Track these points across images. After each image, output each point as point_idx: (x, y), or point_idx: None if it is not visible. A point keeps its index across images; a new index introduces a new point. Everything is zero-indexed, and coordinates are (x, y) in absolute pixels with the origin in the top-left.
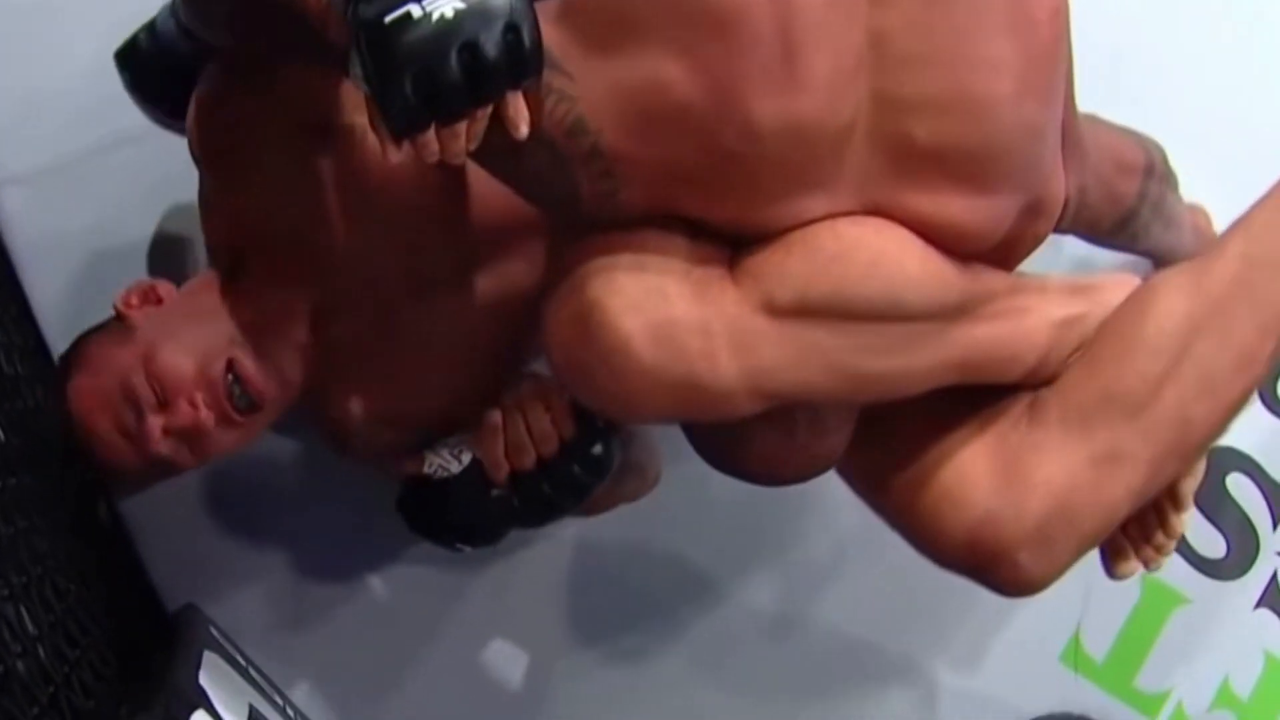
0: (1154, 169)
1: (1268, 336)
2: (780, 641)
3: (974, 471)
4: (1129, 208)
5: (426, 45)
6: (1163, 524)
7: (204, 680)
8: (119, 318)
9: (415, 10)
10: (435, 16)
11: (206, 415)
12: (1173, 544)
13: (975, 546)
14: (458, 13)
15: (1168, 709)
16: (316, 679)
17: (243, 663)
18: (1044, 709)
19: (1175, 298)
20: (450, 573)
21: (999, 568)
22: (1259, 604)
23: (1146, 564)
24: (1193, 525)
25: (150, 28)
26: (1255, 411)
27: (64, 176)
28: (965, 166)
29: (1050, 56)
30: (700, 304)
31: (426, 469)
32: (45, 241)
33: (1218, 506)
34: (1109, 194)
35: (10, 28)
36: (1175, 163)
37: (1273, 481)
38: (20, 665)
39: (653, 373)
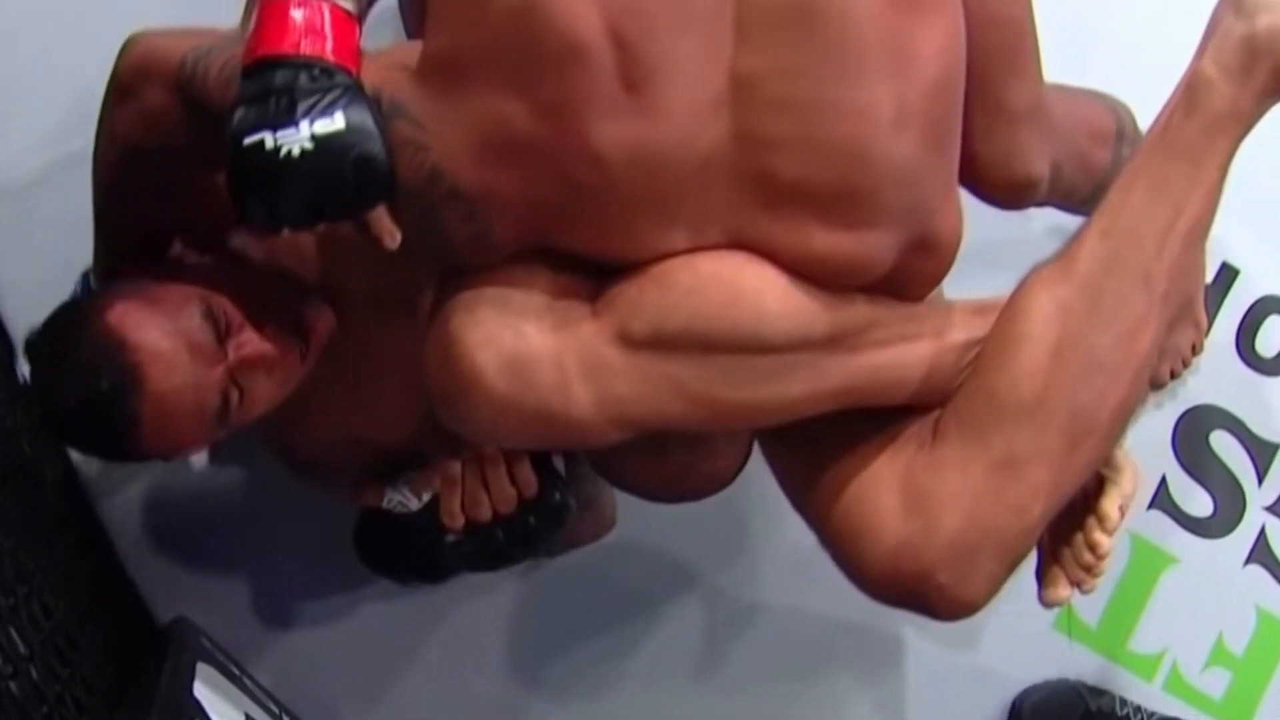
0: (1124, 133)
1: (1145, 301)
2: (769, 623)
3: (882, 502)
4: (1104, 174)
5: (269, 179)
6: (1089, 544)
7: (199, 692)
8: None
9: (269, 140)
10: (283, 153)
11: (273, 349)
12: (1103, 564)
13: (896, 578)
14: (304, 154)
15: (1163, 670)
16: (309, 688)
17: (237, 673)
18: (1041, 677)
19: (1045, 290)
20: None
21: (925, 594)
22: (1248, 560)
23: (1079, 586)
24: (1180, 484)
25: None
26: (1235, 368)
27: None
28: (831, 205)
29: (935, 96)
30: (556, 336)
31: (385, 504)
32: (9, 259)
33: (1202, 465)
34: (1083, 165)
35: None
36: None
37: (1255, 437)
38: (13, 686)
39: (506, 404)
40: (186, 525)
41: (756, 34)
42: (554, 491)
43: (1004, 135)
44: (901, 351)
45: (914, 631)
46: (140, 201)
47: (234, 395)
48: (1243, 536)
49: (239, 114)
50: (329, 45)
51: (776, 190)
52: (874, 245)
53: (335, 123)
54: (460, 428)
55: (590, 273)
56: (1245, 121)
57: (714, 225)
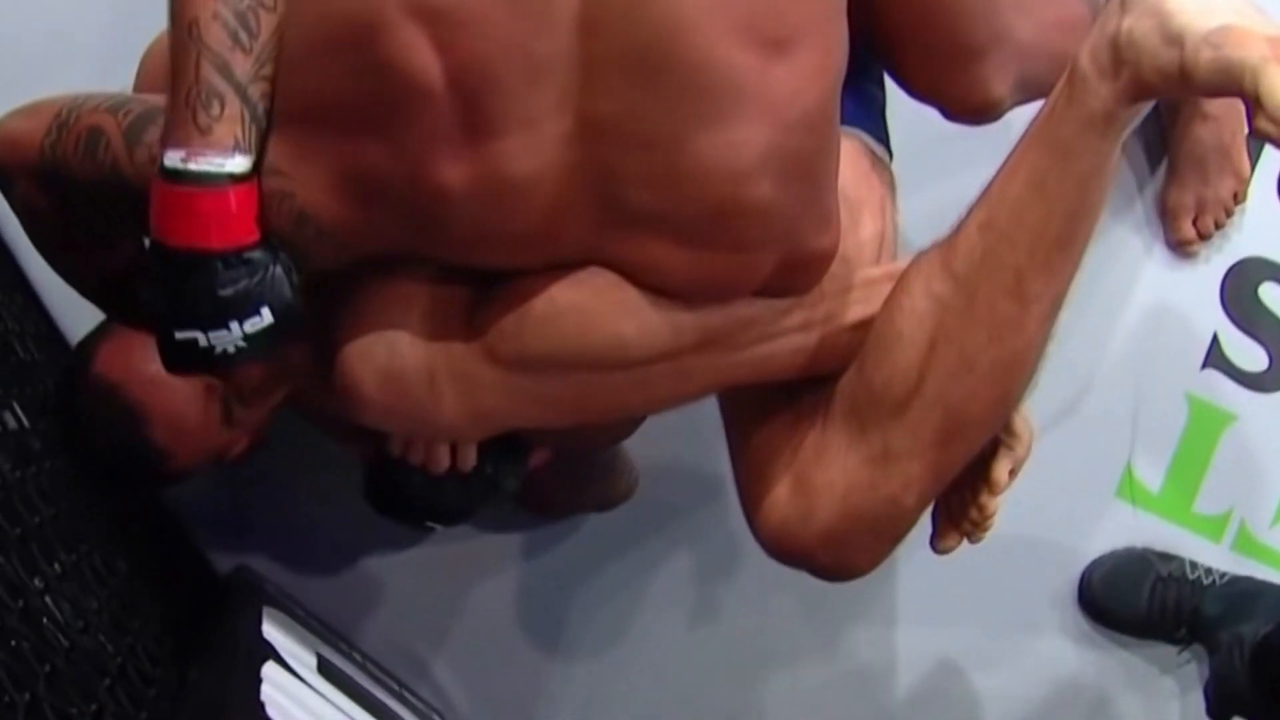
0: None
1: (1018, 302)
2: None
3: (776, 479)
4: None
5: (207, 365)
6: (975, 503)
7: (268, 633)
8: None
9: (201, 340)
10: (218, 350)
11: None
12: (990, 521)
13: (779, 553)
14: (239, 350)
15: (1230, 530)
16: (373, 628)
17: (303, 615)
18: (1108, 548)
19: (923, 283)
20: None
21: (807, 568)
22: None
23: (968, 537)
24: (1231, 340)
25: None
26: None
27: None
28: (686, 234)
29: (798, 133)
30: (429, 350)
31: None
32: None
33: (1253, 318)
34: (1059, 61)
35: None
36: None
37: None
38: (82, 641)
39: (382, 409)
40: (236, 476)
41: (606, 78)
42: (487, 467)
43: (959, 74)
44: (785, 343)
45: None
46: (73, 260)
47: (230, 395)
48: None
49: (162, 300)
50: (240, 226)
51: (629, 218)
52: (733, 269)
53: (264, 319)
54: (356, 421)
55: (470, 277)
56: (1117, 122)
57: (571, 247)
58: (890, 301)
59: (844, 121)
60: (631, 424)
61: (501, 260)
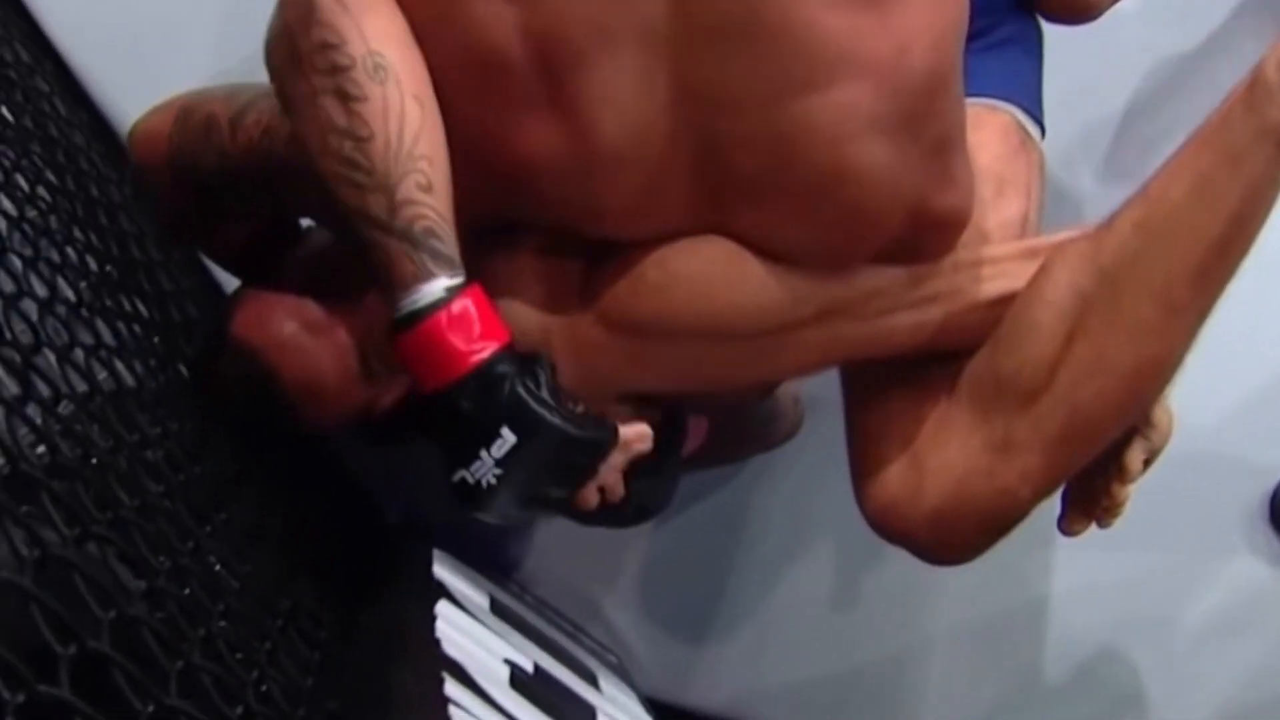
0: None
1: (1163, 309)
2: None
3: (891, 453)
4: None
5: (482, 503)
6: (1107, 490)
7: (439, 575)
8: None
9: (467, 478)
10: (483, 484)
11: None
12: (1121, 509)
13: (882, 527)
14: (499, 479)
15: None
16: (546, 572)
17: (474, 559)
18: None
19: (1066, 274)
20: None
21: (908, 545)
22: None
23: (1098, 522)
24: None
25: None
26: None
27: None
28: (795, 199)
29: (905, 93)
30: (543, 316)
31: None
32: None
33: None
34: None
35: None
36: None
37: None
38: (252, 584)
39: None
40: None
41: (698, 46)
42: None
43: None
44: (909, 316)
45: None
46: (208, 237)
47: (370, 351)
48: None
49: (440, 448)
50: (467, 347)
51: (737, 186)
52: (850, 233)
53: (507, 441)
54: None
55: (584, 246)
56: None
57: (680, 217)
58: (1031, 288)
59: (997, 94)
60: (767, 387)
61: (610, 230)
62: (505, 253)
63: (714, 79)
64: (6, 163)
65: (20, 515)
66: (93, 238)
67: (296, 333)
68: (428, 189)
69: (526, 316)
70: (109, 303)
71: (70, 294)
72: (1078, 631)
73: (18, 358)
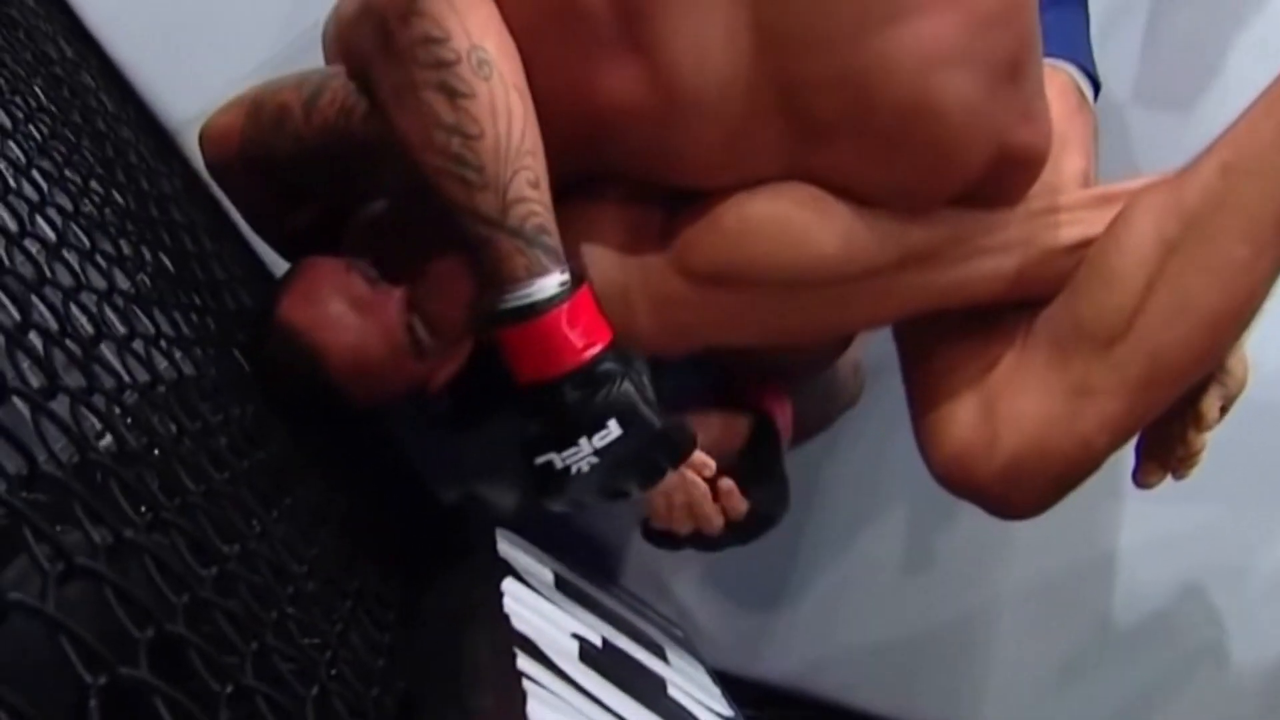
0: None
1: (1252, 248)
2: None
3: (961, 402)
4: None
5: (564, 489)
6: (1183, 439)
7: (504, 552)
8: None
9: (556, 461)
10: (573, 470)
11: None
12: (1197, 458)
13: (951, 480)
14: (594, 468)
15: None
16: (611, 553)
17: (536, 536)
18: None
19: (1149, 220)
20: None
21: (977, 498)
22: None
23: (1173, 473)
24: None
25: None
26: None
27: None
28: (879, 135)
29: (988, 29)
30: (623, 267)
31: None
32: None
33: None
34: None
35: None
36: None
37: None
38: (319, 567)
39: None
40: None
41: None
42: (756, 516)
43: None
44: (986, 263)
45: None
46: (273, 225)
47: (419, 326)
48: None
49: (526, 430)
50: (582, 342)
51: (820, 127)
52: (934, 171)
53: (611, 433)
54: None
55: (663, 196)
56: None
57: (764, 163)
58: (1111, 234)
59: (1052, 53)
60: (843, 342)
61: (692, 179)
62: (583, 206)
63: (795, 19)
64: (59, 157)
65: (91, 502)
66: (146, 230)
67: (344, 311)
68: (536, 185)
69: (605, 271)
70: (166, 293)
71: (128, 285)
72: (1149, 585)
73: (79, 350)
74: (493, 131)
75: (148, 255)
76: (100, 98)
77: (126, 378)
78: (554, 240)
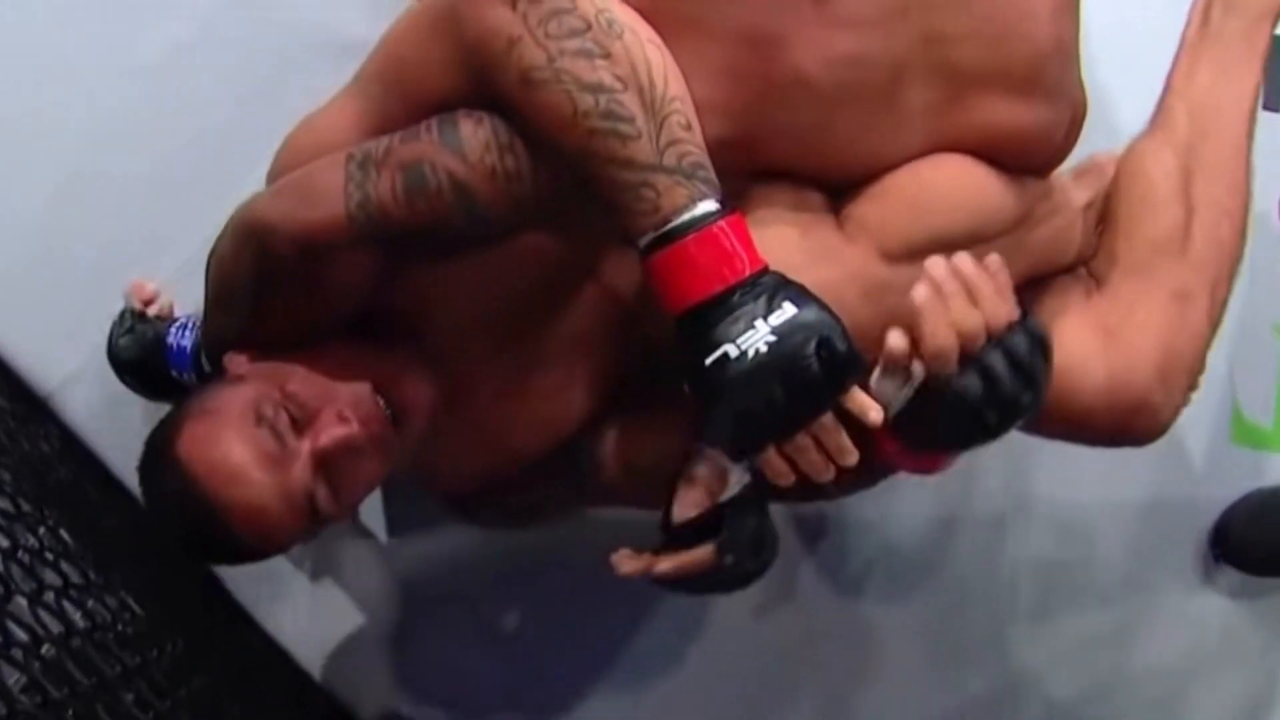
0: None
1: (1239, 152)
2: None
3: (1081, 345)
4: None
5: (742, 384)
6: None
7: None
8: (232, 377)
9: (731, 350)
10: (751, 354)
11: (357, 428)
12: None
13: (1114, 405)
14: (770, 346)
15: None
16: None
17: None
18: (1238, 493)
19: (1159, 157)
20: None
21: (1139, 416)
22: None
23: None
24: None
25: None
26: None
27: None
28: (1013, 85)
29: None
30: (830, 269)
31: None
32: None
33: None
34: None
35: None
36: None
37: None
38: None
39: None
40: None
41: None
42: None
43: None
44: (1057, 222)
45: (1098, 481)
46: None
47: (320, 491)
48: None
49: (689, 352)
50: (745, 263)
51: (963, 81)
52: (1051, 119)
53: (786, 311)
54: None
55: (819, 195)
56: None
57: (913, 129)
58: (1131, 178)
59: None
60: None
61: (850, 159)
62: (761, 216)
63: None
64: None
65: None
66: (37, 489)
67: (246, 464)
68: (688, 127)
69: (812, 275)
70: (69, 546)
71: (32, 541)
72: (1050, 703)
73: None
74: (635, 83)
75: (47, 512)
76: None
77: (40, 631)
78: (711, 175)
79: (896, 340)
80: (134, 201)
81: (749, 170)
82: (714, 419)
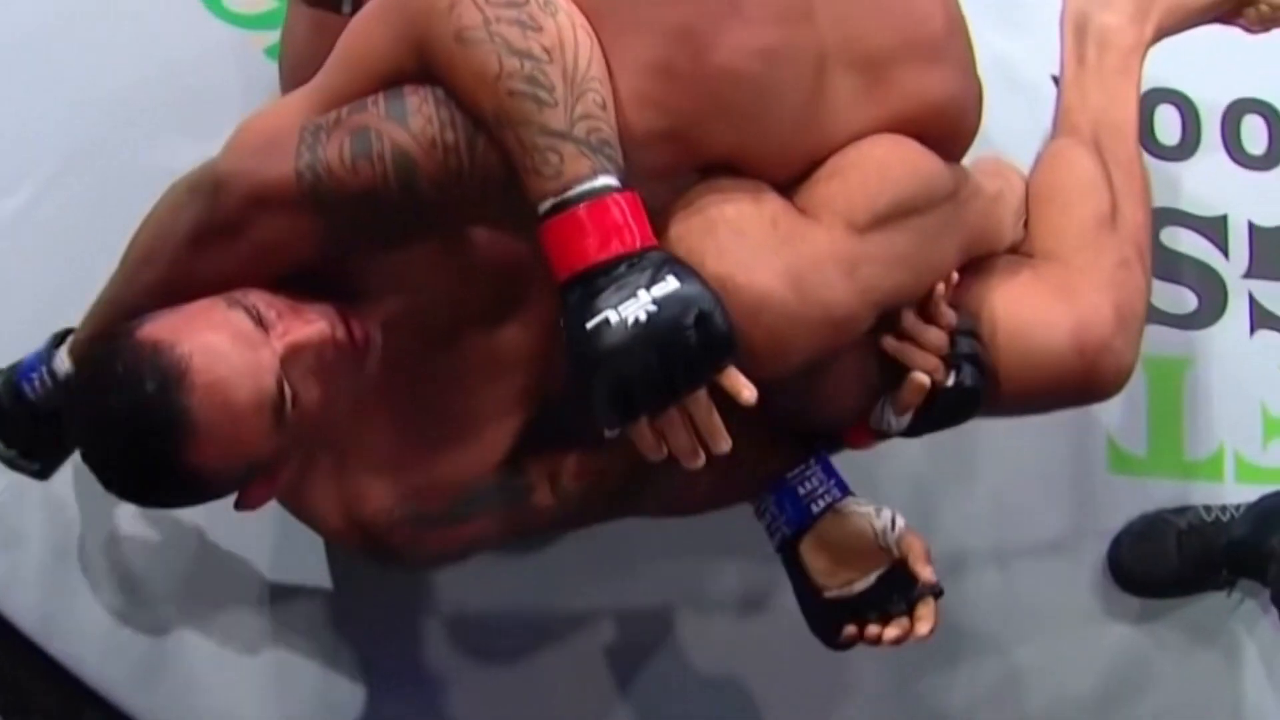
0: None
1: (1138, 159)
2: None
3: (1042, 301)
4: None
5: (619, 350)
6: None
7: None
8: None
9: (612, 316)
10: (630, 321)
11: (328, 330)
12: None
13: (1083, 350)
14: (650, 315)
15: (1228, 464)
16: None
17: None
18: (1121, 522)
19: (1079, 152)
20: None
21: (1106, 357)
22: (1253, 329)
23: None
24: (1159, 292)
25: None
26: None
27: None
28: (924, 51)
29: None
30: (806, 249)
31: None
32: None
33: (1168, 265)
34: None
35: None
36: None
37: (1200, 218)
38: None
39: (798, 318)
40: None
41: None
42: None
43: None
44: (980, 204)
45: (987, 523)
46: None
47: (287, 389)
48: (1237, 310)
49: (571, 318)
50: (635, 237)
51: (880, 63)
52: (963, 87)
53: (669, 284)
54: (750, 362)
55: (770, 190)
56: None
57: (846, 115)
58: (1059, 171)
59: None
60: None
61: (789, 152)
62: (719, 207)
63: None
64: None
65: None
66: None
67: (219, 338)
68: (603, 107)
69: (792, 256)
70: None
71: None
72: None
73: None
74: (560, 59)
75: None
76: None
77: None
78: (618, 155)
79: (918, 380)
80: None
81: (696, 164)
82: (591, 386)
